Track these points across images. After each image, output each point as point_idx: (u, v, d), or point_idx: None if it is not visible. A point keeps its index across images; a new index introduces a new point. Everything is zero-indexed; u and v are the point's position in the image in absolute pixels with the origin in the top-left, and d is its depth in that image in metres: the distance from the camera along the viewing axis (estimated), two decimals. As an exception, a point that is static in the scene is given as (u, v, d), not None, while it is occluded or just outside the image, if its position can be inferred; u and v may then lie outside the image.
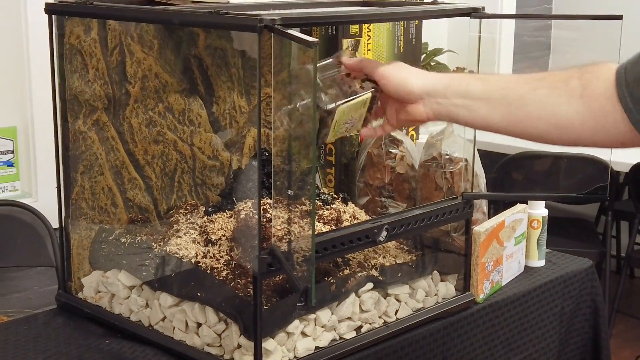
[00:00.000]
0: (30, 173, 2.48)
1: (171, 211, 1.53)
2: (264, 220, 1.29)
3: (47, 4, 1.46)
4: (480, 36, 1.51)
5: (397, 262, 1.50)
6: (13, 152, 2.44)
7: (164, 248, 1.42)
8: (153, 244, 1.45)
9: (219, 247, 1.37)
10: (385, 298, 1.47)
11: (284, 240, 1.26)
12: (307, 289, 1.21)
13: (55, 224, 2.23)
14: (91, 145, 1.52)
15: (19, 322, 1.52)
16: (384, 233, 1.39)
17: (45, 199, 2.41)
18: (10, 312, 2.29)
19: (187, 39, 1.56)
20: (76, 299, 1.54)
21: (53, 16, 1.46)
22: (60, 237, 1.55)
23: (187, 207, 1.52)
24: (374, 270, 1.45)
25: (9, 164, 2.44)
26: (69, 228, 1.54)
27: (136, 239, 1.48)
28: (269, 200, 1.34)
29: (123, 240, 1.49)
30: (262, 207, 1.27)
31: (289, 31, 1.14)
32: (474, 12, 1.48)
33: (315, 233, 1.24)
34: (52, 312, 1.55)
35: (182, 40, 1.56)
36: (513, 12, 3.55)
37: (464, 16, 1.49)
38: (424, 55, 3.33)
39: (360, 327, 1.43)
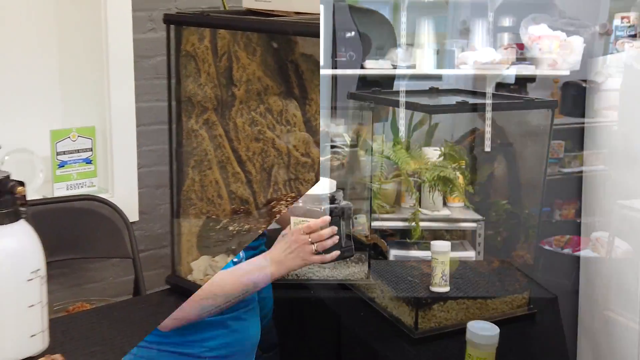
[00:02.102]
0: (107, 170, 2.59)
1: (272, 202, 1.68)
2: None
3: (165, 15, 1.62)
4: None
5: None
6: (91, 150, 2.55)
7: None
8: (260, 231, 1.60)
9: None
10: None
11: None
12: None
13: (130, 217, 2.36)
14: (201, 142, 1.67)
15: (135, 302, 1.69)
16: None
17: (120, 194, 2.52)
18: (92, 300, 2.43)
19: (285, 47, 1.71)
20: (186, 281, 1.69)
21: (171, 25, 1.62)
22: (170, 225, 1.70)
23: (288, 199, 1.66)
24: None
25: (88, 161, 2.55)
26: (180, 217, 1.69)
27: (243, 227, 1.63)
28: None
29: (231, 228, 1.64)
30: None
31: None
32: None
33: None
34: (164, 293, 1.70)
35: (281, 48, 1.71)
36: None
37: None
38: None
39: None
